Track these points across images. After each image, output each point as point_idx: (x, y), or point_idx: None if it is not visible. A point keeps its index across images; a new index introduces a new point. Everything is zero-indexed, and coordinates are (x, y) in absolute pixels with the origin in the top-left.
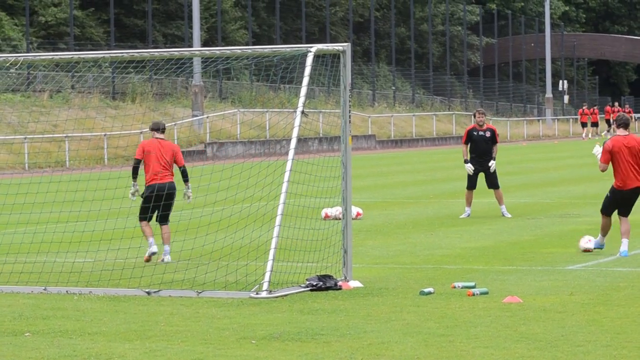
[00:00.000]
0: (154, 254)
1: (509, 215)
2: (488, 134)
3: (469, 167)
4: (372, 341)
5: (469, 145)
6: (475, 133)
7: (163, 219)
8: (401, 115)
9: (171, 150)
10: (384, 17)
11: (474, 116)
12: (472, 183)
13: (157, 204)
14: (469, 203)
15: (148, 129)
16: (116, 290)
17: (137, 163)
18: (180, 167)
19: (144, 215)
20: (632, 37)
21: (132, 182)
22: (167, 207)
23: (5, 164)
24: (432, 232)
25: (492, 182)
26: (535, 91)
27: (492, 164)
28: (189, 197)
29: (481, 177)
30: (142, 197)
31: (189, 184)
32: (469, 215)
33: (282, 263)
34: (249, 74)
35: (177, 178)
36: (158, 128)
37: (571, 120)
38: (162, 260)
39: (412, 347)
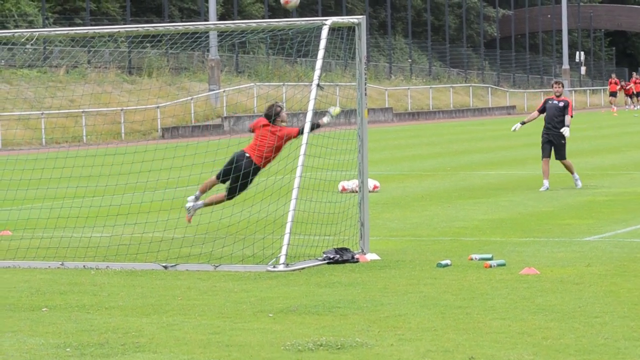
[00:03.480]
0: (193, 207)
1: (580, 185)
2: (561, 104)
3: (517, 126)
4: (389, 314)
5: (543, 115)
6: (550, 102)
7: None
8: (418, 88)
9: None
10: None
11: (552, 87)
12: (545, 152)
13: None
14: (545, 175)
15: None
16: (133, 264)
17: None
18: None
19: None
20: None
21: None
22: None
23: (22, 140)
24: (449, 204)
25: (559, 153)
26: (552, 63)
27: (565, 129)
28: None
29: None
30: None
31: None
32: (547, 189)
33: (299, 236)
34: (265, 47)
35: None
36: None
37: (588, 91)
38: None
39: (429, 319)
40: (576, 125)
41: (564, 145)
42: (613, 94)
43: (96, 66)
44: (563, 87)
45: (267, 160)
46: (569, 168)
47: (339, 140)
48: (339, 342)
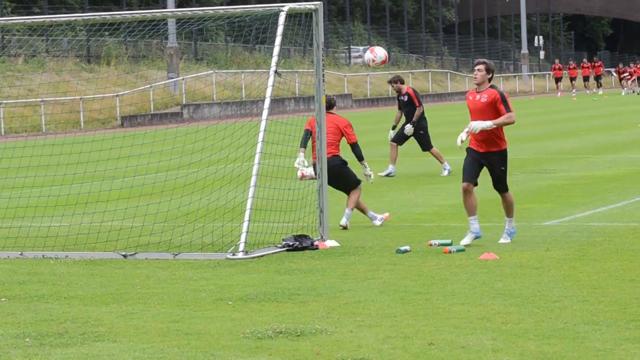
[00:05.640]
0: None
1: (446, 173)
2: (406, 98)
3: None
4: (348, 300)
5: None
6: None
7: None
8: (377, 74)
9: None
10: None
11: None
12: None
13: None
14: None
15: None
16: (92, 254)
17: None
18: (353, 144)
19: None
20: None
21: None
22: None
23: None
24: (408, 190)
25: (422, 145)
26: (511, 47)
27: (407, 127)
28: (369, 177)
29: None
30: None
31: (365, 162)
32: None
33: (258, 224)
34: (223, 34)
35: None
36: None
37: (547, 76)
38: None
39: (388, 305)
40: (535, 110)
41: (423, 135)
42: (558, 79)
43: (54, 55)
44: (402, 83)
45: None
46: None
47: (297, 127)
48: (299, 329)
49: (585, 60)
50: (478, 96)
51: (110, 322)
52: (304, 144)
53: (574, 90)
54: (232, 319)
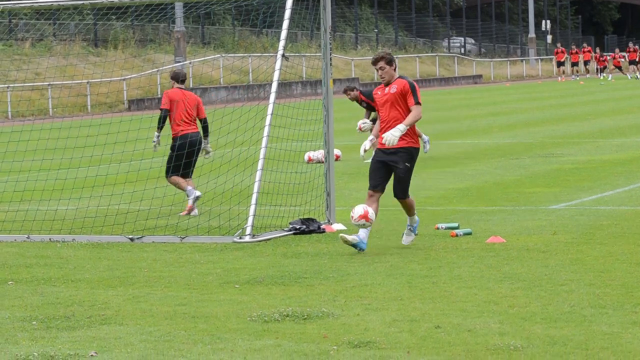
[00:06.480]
0: (198, 197)
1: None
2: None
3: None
4: (355, 283)
5: None
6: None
7: (190, 173)
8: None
9: (195, 101)
10: None
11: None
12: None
13: (188, 156)
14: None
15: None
16: (99, 237)
17: (165, 113)
18: (202, 120)
19: (177, 167)
20: None
21: (156, 133)
22: (195, 161)
23: None
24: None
25: None
26: (518, 31)
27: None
28: (208, 152)
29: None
30: (171, 149)
31: (209, 139)
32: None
33: (265, 207)
34: (230, 18)
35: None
36: (178, 78)
37: (554, 60)
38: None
39: (395, 289)
40: (542, 94)
41: None
42: (560, 63)
43: (62, 39)
44: (352, 90)
45: None
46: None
47: (304, 111)
48: (306, 312)
49: (585, 44)
50: (387, 89)
51: (117, 305)
52: (161, 125)
53: (573, 76)
54: (239, 302)
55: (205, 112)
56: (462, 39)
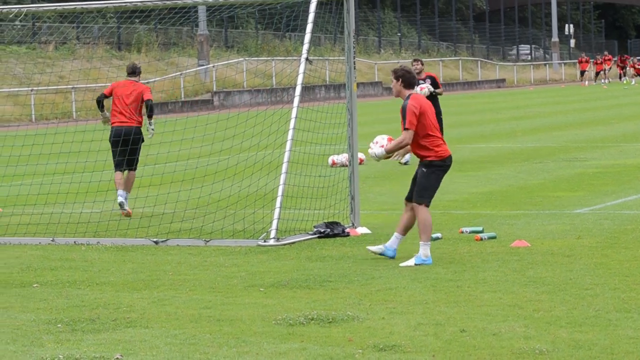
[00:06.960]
0: (120, 203)
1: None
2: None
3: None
4: (380, 287)
5: None
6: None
7: (123, 164)
8: (407, 62)
9: (140, 92)
10: None
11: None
12: None
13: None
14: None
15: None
16: (124, 240)
17: (100, 97)
18: (146, 101)
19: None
20: None
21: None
22: (133, 152)
23: (11, 116)
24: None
25: None
26: (541, 36)
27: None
28: (151, 133)
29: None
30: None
31: (152, 120)
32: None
33: (289, 210)
34: (254, 22)
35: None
36: (133, 71)
37: (577, 64)
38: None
39: (420, 293)
40: (565, 98)
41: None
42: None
43: (85, 42)
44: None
45: None
46: None
47: (328, 114)
48: (330, 315)
49: (606, 52)
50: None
51: (142, 308)
52: (102, 107)
53: (603, 81)
54: (264, 305)
55: (150, 94)
56: (529, 46)
